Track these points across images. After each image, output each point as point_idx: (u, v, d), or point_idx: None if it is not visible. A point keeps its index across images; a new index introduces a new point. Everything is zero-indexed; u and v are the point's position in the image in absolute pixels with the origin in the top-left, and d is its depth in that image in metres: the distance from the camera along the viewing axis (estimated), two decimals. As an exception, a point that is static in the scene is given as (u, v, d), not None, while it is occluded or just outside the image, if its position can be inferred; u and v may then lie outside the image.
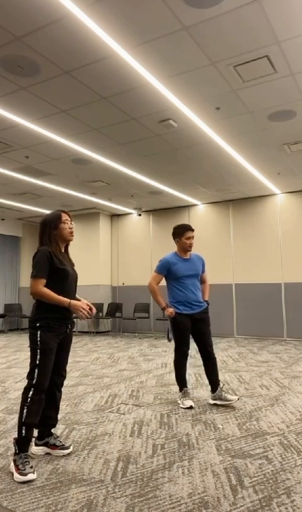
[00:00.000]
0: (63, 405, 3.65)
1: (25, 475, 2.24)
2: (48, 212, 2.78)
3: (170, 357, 6.22)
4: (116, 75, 3.88)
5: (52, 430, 2.67)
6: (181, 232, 3.74)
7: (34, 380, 2.42)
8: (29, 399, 2.39)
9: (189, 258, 3.77)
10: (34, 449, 2.62)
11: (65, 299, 2.47)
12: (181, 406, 3.55)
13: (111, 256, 10.63)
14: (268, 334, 8.41)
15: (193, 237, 3.77)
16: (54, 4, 2.93)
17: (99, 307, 9.96)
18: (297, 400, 3.70)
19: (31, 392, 2.40)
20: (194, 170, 6.86)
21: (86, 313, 2.45)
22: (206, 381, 4.45)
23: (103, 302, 10.09)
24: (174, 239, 3.80)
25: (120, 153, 6.01)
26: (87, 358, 6.23)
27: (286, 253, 8.42)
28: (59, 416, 3.28)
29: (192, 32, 3.27)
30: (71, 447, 2.65)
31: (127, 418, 3.28)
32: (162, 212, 10.02)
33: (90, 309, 2.55)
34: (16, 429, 2.43)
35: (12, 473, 2.29)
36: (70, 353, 6.66)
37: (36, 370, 2.44)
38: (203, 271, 3.86)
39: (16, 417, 3.32)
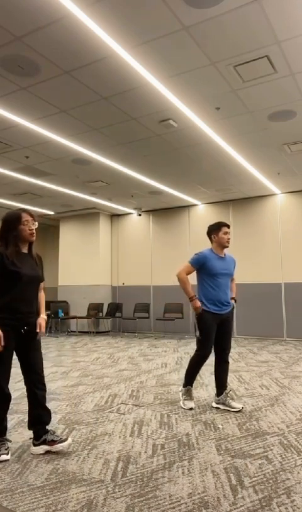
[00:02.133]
0: (63, 405, 3.65)
1: None
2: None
3: (170, 357, 6.22)
4: (116, 75, 3.88)
5: (47, 427, 2.66)
6: (218, 227, 3.65)
7: None
8: None
9: (224, 257, 3.68)
10: (33, 449, 2.62)
11: None
12: (182, 406, 3.52)
13: (111, 256, 10.63)
14: (268, 334, 8.41)
15: (230, 233, 3.67)
16: (54, 4, 2.93)
17: (99, 307, 9.96)
18: (297, 400, 3.70)
19: None
20: (194, 170, 6.86)
21: None
22: (206, 381, 4.46)
23: (103, 302, 10.09)
24: (210, 236, 3.70)
25: (120, 153, 6.01)
26: (87, 358, 6.23)
27: (286, 253, 8.42)
28: (59, 416, 3.29)
29: (192, 32, 3.27)
30: (69, 438, 2.65)
31: (127, 418, 3.28)
32: (162, 212, 10.02)
33: (40, 328, 2.68)
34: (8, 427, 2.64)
35: None
36: (70, 353, 6.69)
37: None
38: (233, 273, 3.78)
39: (15, 417, 3.33)
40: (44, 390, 2.70)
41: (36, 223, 2.69)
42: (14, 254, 2.56)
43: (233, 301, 3.70)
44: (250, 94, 4.27)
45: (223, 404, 3.48)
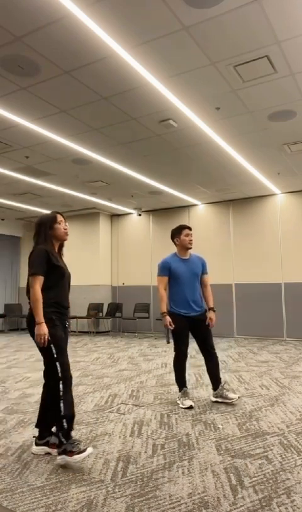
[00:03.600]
0: (63, 405, 3.65)
1: (84, 451, 2.38)
2: (48, 212, 2.85)
3: (170, 357, 6.22)
4: (116, 75, 3.88)
5: (53, 429, 2.67)
6: (179, 231, 3.80)
7: (60, 374, 2.48)
8: (61, 392, 2.45)
9: (188, 259, 3.79)
10: (34, 449, 2.62)
11: (41, 316, 2.47)
12: (181, 406, 3.55)
13: (111, 256, 10.63)
14: (268, 334, 8.41)
15: (191, 235, 3.80)
16: (54, 4, 2.93)
17: (99, 307, 9.96)
18: (297, 400, 3.70)
19: (60, 385, 2.46)
20: (194, 170, 6.86)
21: (41, 342, 2.45)
22: (206, 381, 4.45)
23: (103, 302, 10.09)
24: (173, 240, 3.83)
25: (120, 153, 6.01)
26: (87, 358, 6.23)
27: (286, 253, 8.42)
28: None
29: (192, 32, 3.27)
30: None
31: (127, 418, 3.28)
32: (162, 212, 10.01)
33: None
34: (57, 424, 2.49)
35: (67, 461, 2.37)
36: (70, 353, 6.68)
37: (58, 364, 2.50)
38: (204, 272, 3.85)
39: (15, 417, 3.32)
40: None
41: (68, 224, 2.84)
42: (54, 252, 2.69)
43: (212, 311, 3.73)
44: (250, 94, 4.27)
45: (221, 396, 3.61)
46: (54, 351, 2.51)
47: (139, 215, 10.19)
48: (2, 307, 10.82)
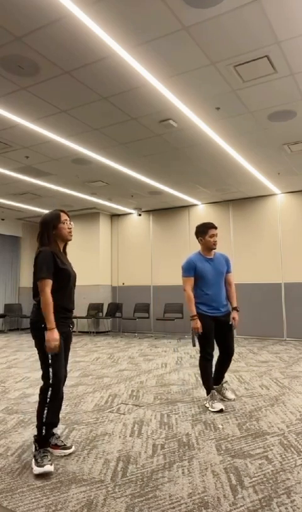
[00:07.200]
0: (63, 405, 3.62)
1: (42, 466, 2.30)
2: (47, 212, 2.79)
3: (170, 357, 6.22)
4: (116, 75, 3.88)
5: (54, 430, 2.67)
6: (204, 230, 3.61)
7: (51, 380, 2.46)
8: (48, 399, 2.44)
9: (213, 258, 3.66)
10: (34, 449, 2.62)
11: (53, 322, 2.41)
12: (211, 409, 3.39)
13: (111, 256, 10.63)
14: (268, 334, 8.41)
15: (217, 234, 3.64)
16: (54, 4, 2.93)
17: (99, 307, 9.96)
18: (297, 400, 3.70)
19: (49, 393, 2.45)
20: (194, 170, 6.86)
21: (52, 349, 2.39)
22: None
23: (103, 302, 10.09)
24: (197, 238, 3.68)
25: (120, 153, 6.01)
26: (87, 358, 6.23)
27: (286, 253, 8.42)
28: (59, 416, 3.28)
29: (192, 32, 3.27)
30: (73, 447, 2.65)
31: (127, 418, 3.28)
32: (162, 212, 10.01)
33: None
34: (36, 428, 2.47)
35: (32, 468, 2.34)
36: (70, 353, 6.64)
37: (51, 370, 2.47)
38: (228, 270, 3.73)
39: (15, 417, 3.32)
40: (63, 393, 2.69)
41: (72, 223, 2.76)
42: (59, 252, 2.62)
43: (235, 311, 3.65)
44: (250, 94, 4.27)
45: (219, 393, 3.68)
46: (50, 356, 2.48)
47: (140, 215, 10.19)
48: (2, 307, 10.81)
